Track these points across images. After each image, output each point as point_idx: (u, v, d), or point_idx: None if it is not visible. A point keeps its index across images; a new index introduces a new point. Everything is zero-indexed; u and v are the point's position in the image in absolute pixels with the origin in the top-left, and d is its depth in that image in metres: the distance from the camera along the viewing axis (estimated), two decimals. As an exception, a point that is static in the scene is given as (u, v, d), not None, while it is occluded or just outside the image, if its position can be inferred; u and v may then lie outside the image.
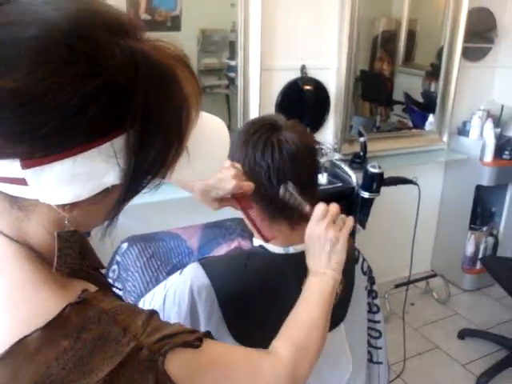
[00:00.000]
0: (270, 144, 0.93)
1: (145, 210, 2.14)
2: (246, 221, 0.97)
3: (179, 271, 1.01)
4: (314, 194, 1.00)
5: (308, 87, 2.39)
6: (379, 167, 2.14)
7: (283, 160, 0.92)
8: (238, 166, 0.90)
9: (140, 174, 0.52)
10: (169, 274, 1.66)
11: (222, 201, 0.90)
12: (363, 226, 2.27)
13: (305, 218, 1.00)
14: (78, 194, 0.50)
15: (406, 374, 2.32)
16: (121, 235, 1.64)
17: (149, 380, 0.53)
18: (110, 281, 1.64)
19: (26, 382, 0.49)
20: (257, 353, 0.72)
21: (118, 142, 0.49)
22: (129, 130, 0.49)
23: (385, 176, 2.25)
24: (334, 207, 0.89)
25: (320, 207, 0.89)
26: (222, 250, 1.71)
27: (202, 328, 0.94)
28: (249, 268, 0.98)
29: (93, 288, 0.56)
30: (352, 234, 2.30)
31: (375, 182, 2.14)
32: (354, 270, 1.11)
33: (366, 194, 2.16)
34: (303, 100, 2.39)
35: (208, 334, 0.65)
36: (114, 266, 1.65)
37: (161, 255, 1.68)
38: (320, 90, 2.46)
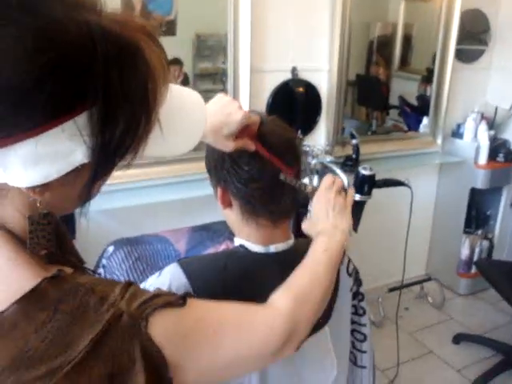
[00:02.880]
0: None
1: (133, 212, 2.12)
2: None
3: (158, 272, 0.98)
4: (296, 192, 0.97)
5: (299, 89, 2.37)
6: (371, 169, 2.10)
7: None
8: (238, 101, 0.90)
9: (109, 150, 0.50)
10: (154, 277, 1.63)
11: (236, 139, 0.86)
12: (355, 230, 2.23)
13: (287, 215, 0.98)
14: (46, 175, 0.48)
15: (399, 380, 2.28)
16: (108, 238, 1.61)
17: (134, 347, 0.51)
18: None
19: (4, 358, 0.47)
20: (249, 306, 0.68)
21: (82, 120, 0.47)
22: (91, 106, 0.47)
23: (377, 178, 2.22)
24: (339, 181, 0.94)
25: (330, 177, 0.94)
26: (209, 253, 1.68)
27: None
28: (229, 268, 0.95)
29: (70, 271, 0.55)
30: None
31: (367, 184, 2.10)
32: (339, 271, 1.08)
33: (357, 197, 2.12)
34: (294, 102, 2.37)
35: (191, 294, 0.62)
36: (100, 270, 1.63)
37: (147, 258, 1.65)
38: (311, 92, 2.44)
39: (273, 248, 0.96)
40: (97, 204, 2.11)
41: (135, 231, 1.74)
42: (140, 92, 0.51)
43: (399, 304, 2.43)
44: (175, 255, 1.66)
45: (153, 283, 0.95)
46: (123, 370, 0.51)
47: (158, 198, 2.12)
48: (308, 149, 2.21)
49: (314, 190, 0.94)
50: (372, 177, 2.11)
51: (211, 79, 2.32)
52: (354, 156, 2.48)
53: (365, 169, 2.11)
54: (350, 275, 1.11)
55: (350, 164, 2.47)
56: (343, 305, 1.09)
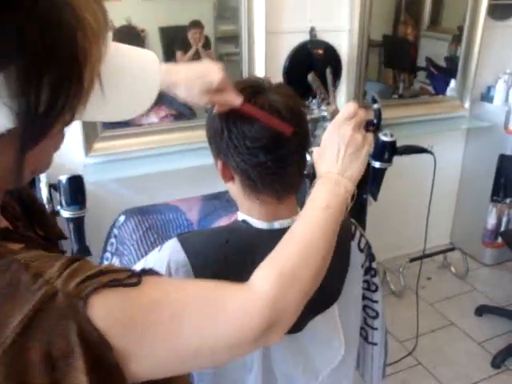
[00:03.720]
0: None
1: (146, 181, 2.08)
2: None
3: (159, 246, 0.95)
4: (303, 166, 0.91)
5: (318, 51, 2.26)
6: (391, 135, 2.01)
7: (266, 127, 0.83)
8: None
9: (37, 114, 0.45)
10: (165, 248, 1.60)
11: (214, 93, 0.79)
12: (375, 198, 2.16)
13: (292, 190, 0.91)
14: None
15: (418, 351, 2.23)
16: (120, 207, 1.59)
17: (70, 330, 0.46)
18: (108, 254, 1.59)
19: None
20: (223, 286, 0.59)
21: None
22: (7, 64, 0.42)
23: (399, 145, 2.12)
24: (363, 113, 0.77)
25: (352, 105, 0.76)
26: (222, 222, 1.64)
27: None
28: (230, 244, 0.91)
29: (17, 247, 0.51)
30: (362, 207, 2.20)
31: (387, 151, 2.01)
32: (350, 246, 1.02)
33: (377, 164, 2.04)
34: (313, 65, 2.25)
35: (152, 271, 0.56)
36: (112, 240, 1.61)
37: (158, 228, 1.63)
38: (331, 54, 2.32)
39: (277, 224, 0.90)
40: (109, 172, 2.08)
41: (149, 200, 1.71)
42: (67, 49, 0.45)
43: (420, 274, 2.37)
44: (187, 225, 1.63)
45: (153, 258, 0.92)
46: (63, 354, 0.46)
47: (171, 166, 2.07)
48: (325, 113, 2.11)
49: (336, 112, 0.78)
50: (392, 143, 2.02)
51: (233, 42, 2.20)
52: (375, 121, 2.36)
53: (385, 135, 2.02)
54: (361, 251, 1.05)
55: (371, 130, 2.36)
56: (354, 282, 1.04)
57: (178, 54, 2.10)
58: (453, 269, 2.88)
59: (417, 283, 2.32)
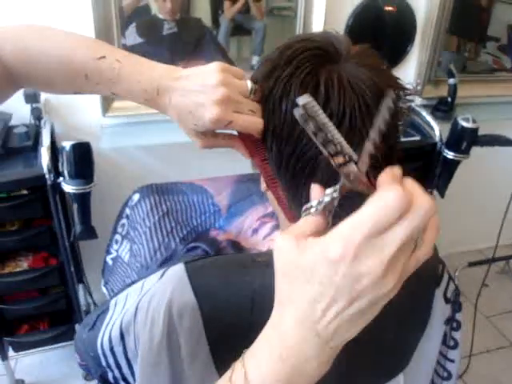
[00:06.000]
0: (314, 85, 0.51)
1: (175, 150, 1.80)
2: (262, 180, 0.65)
3: (161, 272, 0.66)
4: None
5: (389, 8, 1.87)
6: (473, 121, 1.63)
7: (337, 117, 0.51)
8: (245, 83, 0.55)
9: None
10: (184, 239, 1.31)
11: (214, 136, 0.59)
12: (442, 195, 1.80)
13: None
14: None
15: (469, 375, 1.92)
16: (142, 180, 1.32)
17: None
18: (118, 237, 1.36)
19: None
20: None
21: None
22: None
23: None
24: (428, 202, 0.35)
25: (397, 192, 0.33)
26: (256, 211, 1.35)
27: (185, 368, 0.60)
28: (263, 285, 0.62)
29: None
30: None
31: (465, 141, 1.64)
32: (433, 297, 0.71)
33: (450, 155, 1.67)
34: (382, 25, 1.88)
35: None
36: (124, 220, 1.35)
37: (178, 213, 1.35)
38: (405, 13, 1.92)
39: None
40: (131, 137, 1.77)
41: (176, 174, 1.44)
42: None
43: (483, 282, 2.02)
44: (214, 211, 1.35)
45: (152, 287, 0.64)
46: None
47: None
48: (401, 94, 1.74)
49: (356, 182, 0.40)
50: (474, 131, 1.64)
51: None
52: (448, 99, 1.97)
53: (465, 120, 1.64)
54: (447, 301, 0.74)
55: (443, 109, 1.98)
56: (431, 343, 0.75)
57: (226, 3, 1.85)
58: (515, 276, 2.52)
59: (477, 295, 1.98)
